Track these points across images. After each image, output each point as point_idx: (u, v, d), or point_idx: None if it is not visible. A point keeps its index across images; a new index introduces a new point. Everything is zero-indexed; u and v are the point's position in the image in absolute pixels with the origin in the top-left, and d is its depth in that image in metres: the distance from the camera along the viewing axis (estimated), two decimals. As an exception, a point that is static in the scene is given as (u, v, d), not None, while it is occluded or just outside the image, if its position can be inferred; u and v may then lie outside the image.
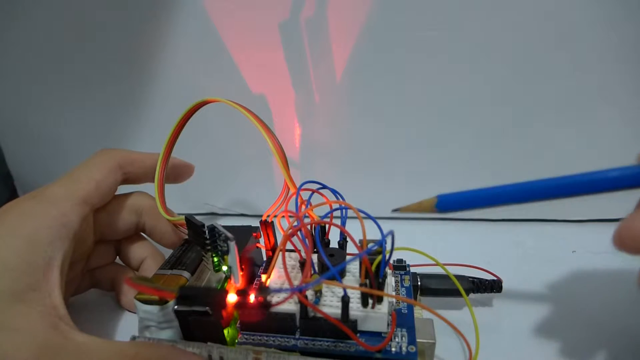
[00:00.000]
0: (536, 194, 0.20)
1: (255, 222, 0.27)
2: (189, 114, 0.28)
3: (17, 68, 0.37)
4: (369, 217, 0.23)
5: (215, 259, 0.25)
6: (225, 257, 0.24)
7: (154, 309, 0.23)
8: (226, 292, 0.19)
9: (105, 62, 0.35)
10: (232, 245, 0.23)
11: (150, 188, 0.29)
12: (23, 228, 0.21)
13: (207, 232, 0.24)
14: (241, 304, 0.19)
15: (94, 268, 0.29)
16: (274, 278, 0.24)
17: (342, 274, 0.24)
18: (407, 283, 0.26)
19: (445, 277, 0.26)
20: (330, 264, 0.21)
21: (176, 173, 0.30)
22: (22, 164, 0.42)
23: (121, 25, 0.34)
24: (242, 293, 0.19)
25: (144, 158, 0.28)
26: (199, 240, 0.24)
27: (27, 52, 0.36)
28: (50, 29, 0.35)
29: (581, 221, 0.36)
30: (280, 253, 0.23)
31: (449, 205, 0.21)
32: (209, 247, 0.24)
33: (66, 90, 0.37)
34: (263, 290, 0.18)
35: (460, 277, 0.26)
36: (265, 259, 0.28)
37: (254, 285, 0.25)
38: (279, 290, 0.20)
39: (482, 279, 0.27)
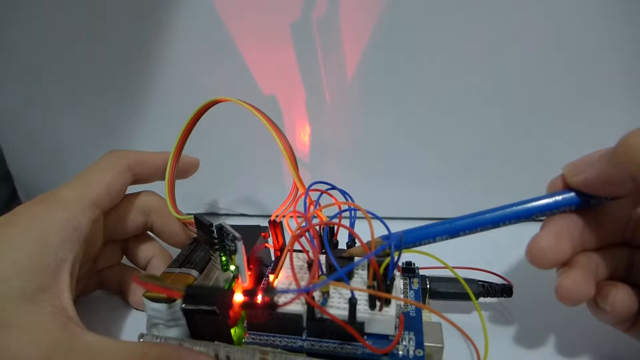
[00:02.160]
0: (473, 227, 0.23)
1: (262, 222, 0.27)
2: (199, 114, 0.28)
3: (18, 68, 0.37)
4: (377, 218, 0.23)
5: (224, 259, 0.25)
6: (233, 256, 0.24)
7: (161, 306, 0.23)
8: (232, 292, 0.19)
9: (109, 62, 0.35)
10: (240, 245, 0.23)
11: (157, 186, 0.29)
12: (34, 230, 0.21)
13: (215, 231, 0.24)
14: (248, 304, 0.19)
15: (101, 269, 0.29)
16: (281, 278, 0.24)
17: (350, 275, 0.23)
18: (415, 286, 0.25)
19: (454, 281, 0.26)
20: (338, 265, 0.21)
21: (182, 169, 0.29)
22: (22, 164, 0.42)
23: (127, 24, 0.34)
24: (249, 293, 0.19)
25: (153, 158, 0.28)
26: (207, 239, 0.24)
27: (27, 52, 0.36)
28: (52, 27, 0.34)
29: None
30: (288, 254, 0.23)
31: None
32: (217, 247, 0.24)
33: (67, 90, 0.37)
34: (269, 290, 0.18)
35: (470, 281, 0.26)
36: (273, 259, 0.28)
37: (261, 286, 0.25)
38: (285, 291, 0.20)
39: (492, 283, 0.26)
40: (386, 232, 0.23)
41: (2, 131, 0.40)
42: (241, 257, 0.23)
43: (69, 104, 0.37)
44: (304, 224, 0.22)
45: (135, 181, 0.28)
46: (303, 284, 0.22)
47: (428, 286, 0.26)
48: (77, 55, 0.35)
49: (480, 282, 0.26)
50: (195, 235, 0.29)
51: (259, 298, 0.20)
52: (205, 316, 0.22)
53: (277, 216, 0.26)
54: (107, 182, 0.25)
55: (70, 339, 0.19)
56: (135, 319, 0.29)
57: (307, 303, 0.21)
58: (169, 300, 0.23)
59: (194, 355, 0.21)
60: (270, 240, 0.27)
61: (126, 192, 0.28)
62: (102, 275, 0.29)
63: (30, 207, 0.23)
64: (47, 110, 0.38)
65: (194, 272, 0.25)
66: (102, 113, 0.37)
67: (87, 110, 0.37)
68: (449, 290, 0.26)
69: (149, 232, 0.30)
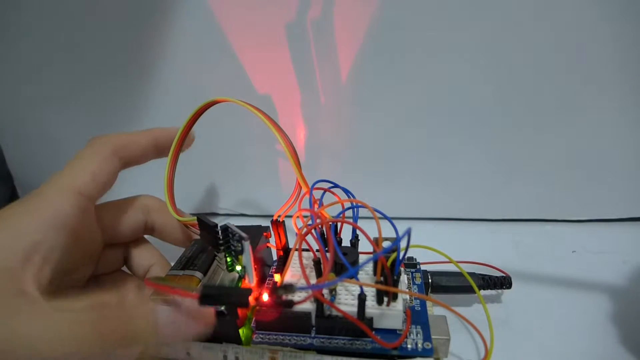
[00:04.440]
0: None
1: (262, 222, 0.27)
2: (197, 115, 0.28)
3: (17, 68, 0.36)
4: (384, 216, 0.23)
5: (229, 259, 0.24)
6: (240, 257, 0.24)
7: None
8: (250, 291, 0.19)
9: (107, 61, 0.35)
10: (247, 245, 0.23)
11: (154, 187, 0.29)
12: (10, 221, 0.21)
13: (220, 232, 0.24)
14: (265, 303, 0.19)
15: (100, 274, 0.28)
16: (287, 278, 0.24)
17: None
18: (418, 280, 0.26)
19: (455, 274, 0.26)
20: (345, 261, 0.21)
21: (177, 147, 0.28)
22: (22, 164, 0.41)
23: (124, 24, 0.34)
24: (275, 291, 0.18)
25: (138, 138, 0.27)
26: (211, 240, 0.24)
27: (27, 52, 0.35)
28: (51, 28, 0.34)
29: (581, 221, 0.36)
30: (296, 252, 0.23)
31: None
32: (222, 248, 0.24)
33: (66, 90, 0.37)
34: (289, 288, 0.18)
35: (470, 274, 0.26)
36: (275, 258, 0.28)
37: (266, 285, 0.25)
38: (305, 288, 0.20)
39: (491, 275, 0.27)
40: (385, 231, 0.23)
41: (2, 131, 0.39)
42: (248, 257, 0.23)
43: (68, 104, 0.37)
44: (310, 222, 0.23)
45: (125, 164, 0.27)
46: (313, 282, 0.22)
47: (430, 280, 0.26)
48: (76, 56, 0.35)
49: (480, 275, 0.27)
50: (195, 237, 0.28)
51: (275, 296, 0.20)
52: (213, 317, 0.22)
53: (279, 216, 0.26)
54: (92, 171, 0.24)
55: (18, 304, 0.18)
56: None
57: (317, 300, 0.21)
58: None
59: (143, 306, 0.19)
60: (272, 239, 0.27)
61: (128, 196, 0.27)
62: (100, 280, 0.29)
63: (11, 206, 0.22)
64: (47, 110, 0.38)
65: (198, 274, 0.25)
66: (102, 113, 0.37)
67: (87, 111, 0.37)
68: (450, 284, 0.26)
69: (148, 237, 0.30)
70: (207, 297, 0.19)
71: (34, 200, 0.22)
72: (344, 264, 0.21)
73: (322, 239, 0.24)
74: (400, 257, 0.21)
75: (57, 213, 0.22)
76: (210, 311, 0.19)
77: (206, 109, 0.27)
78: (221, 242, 0.24)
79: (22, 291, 0.19)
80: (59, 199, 0.23)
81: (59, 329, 0.17)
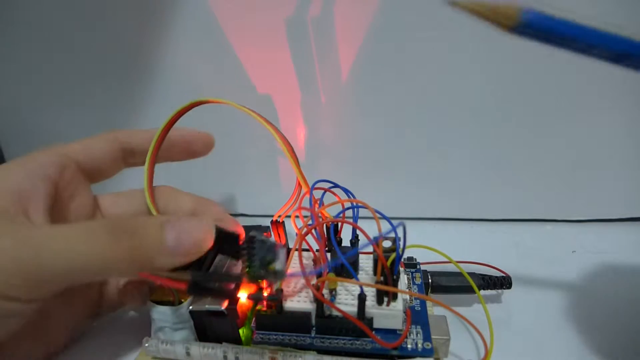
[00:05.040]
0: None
1: (262, 222, 0.27)
2: (178, 115, 0.26)
3: (17, 68, 0.37)
4: (384, 217, 0.23)
5: (249, 269, 0.22)
6: (270, 265, 0.22)
7: (167, 309, 0.23)
8: (238, 285, 0.19)
9: (107, 61, 0.35)
10: (282, 252, 0.22)
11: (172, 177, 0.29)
12: (1, 172, 0.23)
13: (245, 242, 0.22)
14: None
15: None
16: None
17: (355, 271, 0.24)
18: (418, 280, 0.26)
19: (455, 274, 0.26)
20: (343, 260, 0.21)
21: (188, 146, 0.28)
22: None
23: (124, 23, 0.34)
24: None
25: (140, 131, 0.28)
26: (228, 249, 0.23)
27: (26, 52, 0.36)
28: (51, 27, 0.34)
29: (581, 221, 0.36)
30: (296, 252, 0.23)
31: (535, 23, 0.16)
32: (245, 257, 0.22)
33: (67, 90, 0.37)
34: (278, 274, 0.18)
35: (470, 274, 0.26)
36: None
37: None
38: (295, 274, 0.20)
39: (491, 275, 0.27)
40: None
41: (2, 131, 0.39)
42: (284, 263, 0.22)
43: (68, 103, 0.37)
44: (310, 222, 0.23)
45: (129, 154, 0.27)
46: (312, 282, 0.22)
47: (430, 280, 0.26)
48: (76, 56, 0.35)
49: (480, 275, 0.27)
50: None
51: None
52: (213, 317, 0.22)
53: (279, 216, 0.26)
54: (85, 142, 0.26)
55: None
56: (140, 325, 0.28)
57: (316, 300, 0.21)
58: (175, 303, 0.23)
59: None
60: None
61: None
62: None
63: (7, 163, 0.24)
64: (47, 110, 0.38)
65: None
66: (102, 113, 0.37)
67: (87, 111, 0.37)
68: (451, 284, 0.26)
69: None
70: (196, 286, 0.19)
71: (23, 158, 0.24)
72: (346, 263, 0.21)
73: (327, 239, 0.24)
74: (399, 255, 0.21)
75: (40, 166, 0.24)
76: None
77: (189, 110, 0.26)
78: (244, 252, 0.22)
79: (25, 218, 0.21)
80: (44, 156, 0.25)
81: (73, 236, 0.19)
